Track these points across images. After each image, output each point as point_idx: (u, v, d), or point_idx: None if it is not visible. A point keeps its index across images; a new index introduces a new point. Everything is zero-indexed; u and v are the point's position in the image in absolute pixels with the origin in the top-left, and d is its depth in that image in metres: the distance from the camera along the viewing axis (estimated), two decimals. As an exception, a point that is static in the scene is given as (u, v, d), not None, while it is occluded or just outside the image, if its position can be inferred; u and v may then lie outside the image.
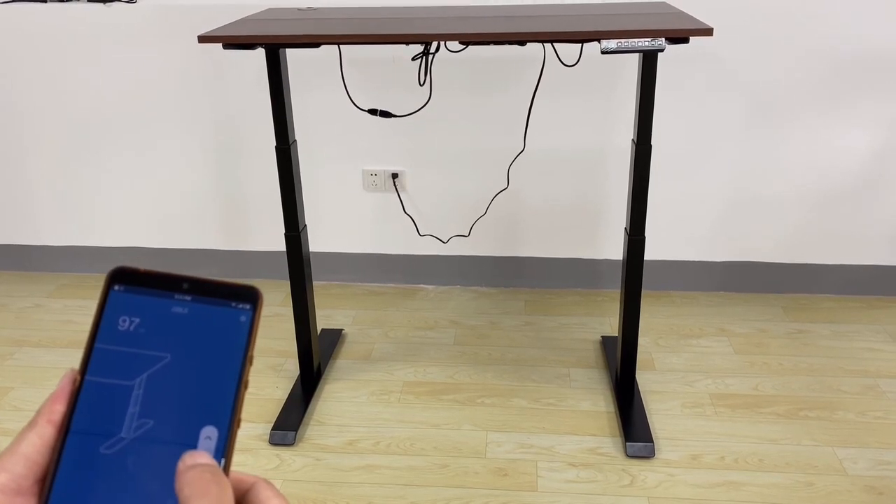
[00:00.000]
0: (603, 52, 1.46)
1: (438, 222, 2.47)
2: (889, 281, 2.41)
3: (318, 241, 2.55)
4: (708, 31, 1.46)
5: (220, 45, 1.60)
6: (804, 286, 2.45)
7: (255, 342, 0.38)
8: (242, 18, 1.80)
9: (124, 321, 0.37)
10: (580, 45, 1.62)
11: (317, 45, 1.56)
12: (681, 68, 2.21)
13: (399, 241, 2.52)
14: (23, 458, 0.35)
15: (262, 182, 2.47)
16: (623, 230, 1.99)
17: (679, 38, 1.48)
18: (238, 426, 0.37)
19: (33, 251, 2.67)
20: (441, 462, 1.75)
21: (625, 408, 1.89)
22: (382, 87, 2.29)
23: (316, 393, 2.00)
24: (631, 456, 1.75)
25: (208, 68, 2.33)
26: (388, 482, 1.70)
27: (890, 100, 2.19)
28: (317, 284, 2.57)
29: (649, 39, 1.45)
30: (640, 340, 2.21)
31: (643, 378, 2.04)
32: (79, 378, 0.37)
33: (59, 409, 0.36)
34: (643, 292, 2.49)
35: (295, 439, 1.82)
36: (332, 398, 1.98)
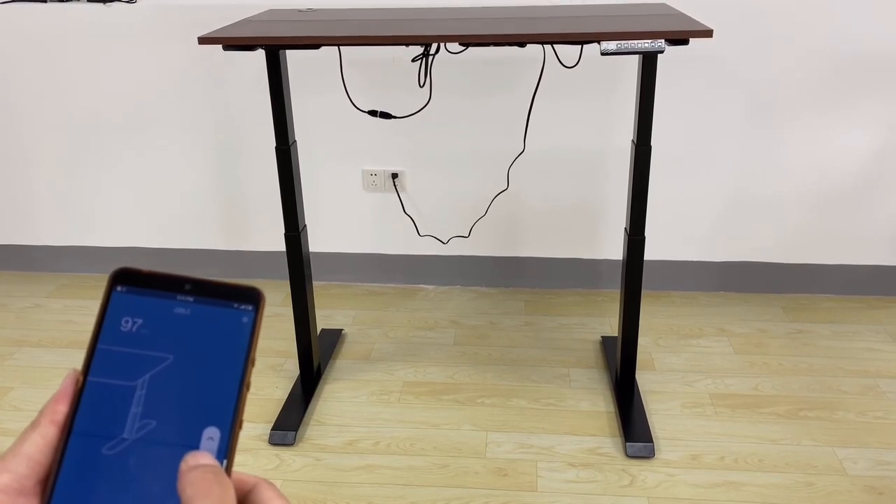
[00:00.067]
0: (603, 54, 1.46)
1: (438, 223, 2.47)
2: (889, 281, 2.41)
3: (318, 241, 2.55)
4: (707, 33, 1.46)
5: (220, 46, 1.60)
6: (804, 286, 2.45)
7: (257, 343, 0.38)
8: (243, 20, 1.80)
9: (127, 322, 0.38)
10: (580, 46, 1.62)
11: (317, 47, 1.57)
12: (681, 68, 2.21)
13: (399, 242, 2.52)
14: (25, 459, 0.35)
15: (262, 182, 2.48)
16: (623, 230, 2.00)
17: (679, 39, 1.48)
18: (240, 427, 0.37)
19: (33, 251, 2.67)
20: (441, 462, 1.75)
21: (625, 408, 1.89)
22: (382, 88, 2.29)
23: (316, 393, 2.00)
24: (631, 456, 1.75)
25: (208, 68, 2.33)
26: (388, 482, 1.70)
27: (890, 100, 2.19)
28: (317, 284, 2.58)
29: (649, 41, 1.45)
30: (640, 340, 2.21)
31: (643, 378, 2.04)
32: (81, 378, 0.37)
33: (62, 409, 0.36)
34: (643, 292, 2.50)
35: (295, 439, 1.82)
36: (332, 398, 1.98)
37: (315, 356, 2.04)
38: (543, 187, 2.40)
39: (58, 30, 2.33)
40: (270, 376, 2.08)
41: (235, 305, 0.38)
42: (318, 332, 2.22)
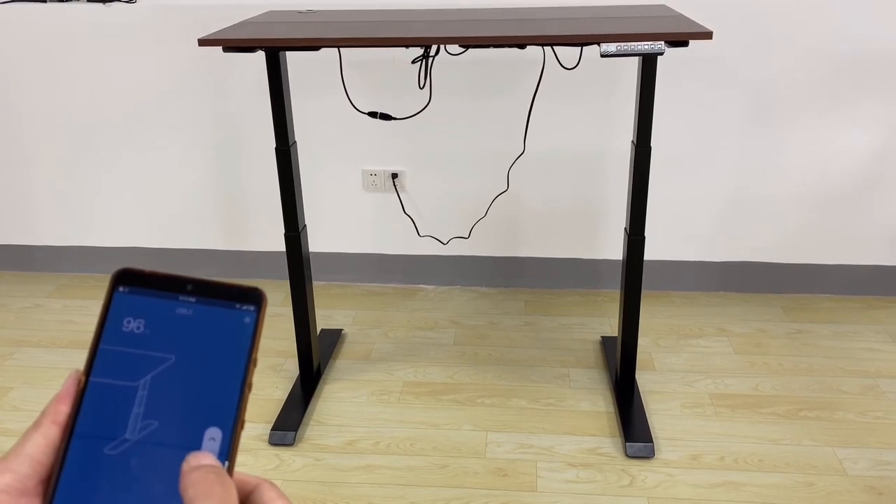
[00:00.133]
0: (602, 56, 1.46)
1: (438, 223, 2.47)
2: (889, 281, 2.42)
3: (318, 241, 2.55)
4: (707, 35, 1.46)
5: (219, 47, 1.60)
6: (804, 286, 2.45)
7: (259, 344, 0.38)
8: (242, 21, 1.80)
9: (129, 322, 0.38)
10: (580, 48, 1.62)
11: (316, 48, 1.57)
12: (680, 69, 2.21)
13: (399, 242, 2.52)
14: (28, 459, 0.35)
15: (262, 182, 2.48)
16: (623, 230, 2.00)
17: (678, 41, 1.48)
18: (242, 428, 0.37)
19: (34, 251, 2.67)
20: (441, 462, 1.75)
21: (624, 408, 1.89)
22: (382, 90, 2.29)
23: (316, 393, 2.00)
24: (631, 456, 1.75)
25: (209, 68, 2.33)
26: (388, 482, 1.70)
27: (890, 100, 2.19)
28: (316, 284, 2.58)
29: (649, 43, 1.45)
30: (640, 340, 2.21)
31: (643, 378, 2.04)
32: (83, 379, 0.37)
33: (64, 409, 0.36)
34: (643, 292, 2.50)
35: (294, 439, 1.82)
36: (332, 398, 1.98)
37: (315, 356, 2.04)
38: (543, 188, 2.40)
39: (58, 30, 2.33)
40: (270, 376, 2.08)
41: (237, 306, 0.38)
42: (318, 333, 2.22)
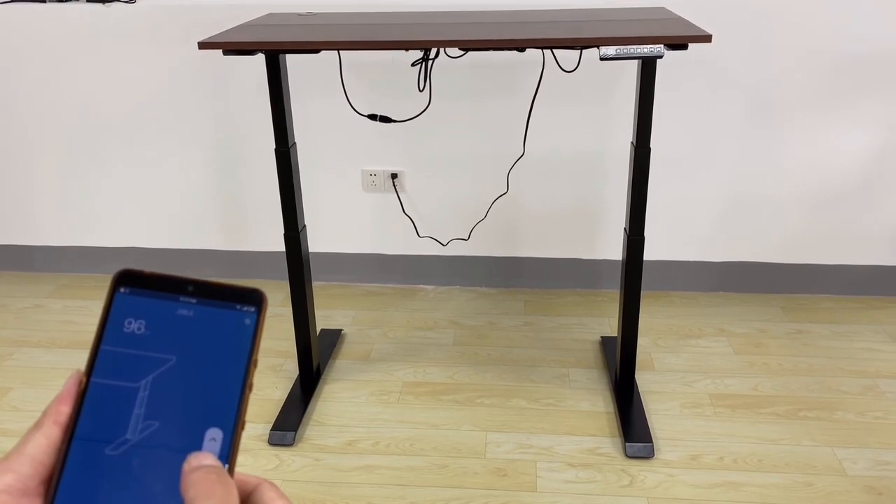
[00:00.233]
0: (602, 59, 1.46)
1: (437, 225, 2.48)
2: (889, 281, 2.42)
3: (318, 241, 2.55)
4: (706, 38, 1.46)
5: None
6: (804, 286, 2.45)
7: (259, 345, 0.38)
8: (242, 24, 1.80)
9: (130, 323, 0.38)
10: (579, 51, 1.62)
11: (316, 51, 1.57)
12: (680, 69, 2.21)
13: (398, 242, 2.53)
14: (29, 459, 0.35)
15: (263, 182, 2.48)
16: (622, 230, 2.00)
17: (678, 44, 1.48)
18: (242, 428, 0.37)
19: (34, 251, 2.67)
20: (440, 462, 1.75)
21: (624, 408, 1.89)
22: (382, 91, 2.29)
23: (315, 393, 2.00)
24: (630, 456, 1.75)
25: (209, 68, 2.33)
26: (388, 482, 1.70)
27: (890, 100, 2.19)
28: (316, 285, 2.58)
29: (648, 46, 1.45)
30: (640, 341, 2.21)
31: (642, 378, 2.04)
32: (84, 380, 0.37)
33: (65, 410, 0.36)
34: (643, 292, 2.50)
35: (294, 440, 1.82)
36: (332, 398, 1.99)
37: (314, 356, 2.04)
38: (543, 191, 2.40)
39: (57, 30, 2.33)
40: (270, 376, 2.08)
41: (238, 307, 0.38)
42: (318, 333, 2.22)
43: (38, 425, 0.36)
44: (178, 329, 0.38)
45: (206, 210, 2.54)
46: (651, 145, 1.74)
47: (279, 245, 2.55)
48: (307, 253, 1.95)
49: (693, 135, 2.29)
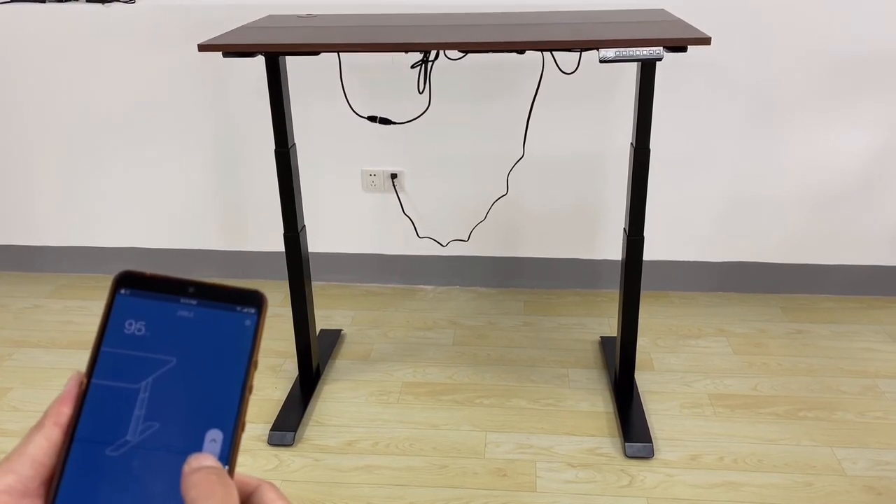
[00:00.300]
0: (601, 62, 1.46)
1: (437, 226, 2.48)
2: (889, 281, 2.42)
3: (317, 241, 2.55)
4: (705, 41, 1.46)
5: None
6: (803, 286, 2.45)
7: (259, 346, 0.38)
8: (242, 26, 1.80)
9: (130, 325, 0.38)
10: (579, 53, 1.62)
11: (316, 53, 1.57)
12: (680, 69, 2.22)
13: (398, 242, 2.53)
14: (30, 460, 0.35)
15: (262, 182, 2.48)
16: (622, 230, 2.00)
17: (677, 46, 1.48)
18: (242, 429, 0.37)
19: (34, 251, 2.67)
20: (440, 462, 1.76)
21: (624, 408, 1.89)
22: (382, 93, 2.30)
23: (315, 393, 2.01)
24: (630, 456, 1.75)
25: (209, 68, 2.34)
26: (387, 483, 1.70)
27: (890, 100, 2.19)
28: (316, 285, 2.58)
29: (647, 48, 1.45)
30: (639, 341, 2.21)
31: (642, 378, 2.04)
32: (85, 381, 0.37)
33: (66, 411, 0.36)
34: (642, 293, 2.50)
35: (294, 440, 1.82)
36: (331, 399, 1.99)
37: (314, 357, 2.04)
38: (543, 192, 2.40)
39: (57, 30, 2.33)
40: (269, 377, 2.08)
41: (238, 308, 0.38)
42: (318, 333, 2.22)
43: (38, 426, 0.36)
44: (179, 330, 0.38)
45: (206, 210, 2.54)
46: (651, 145, 1.74)
47: (279, 245, 2.55)
48: (307, 253, 1.95)
49: (693, 135, 2.29)
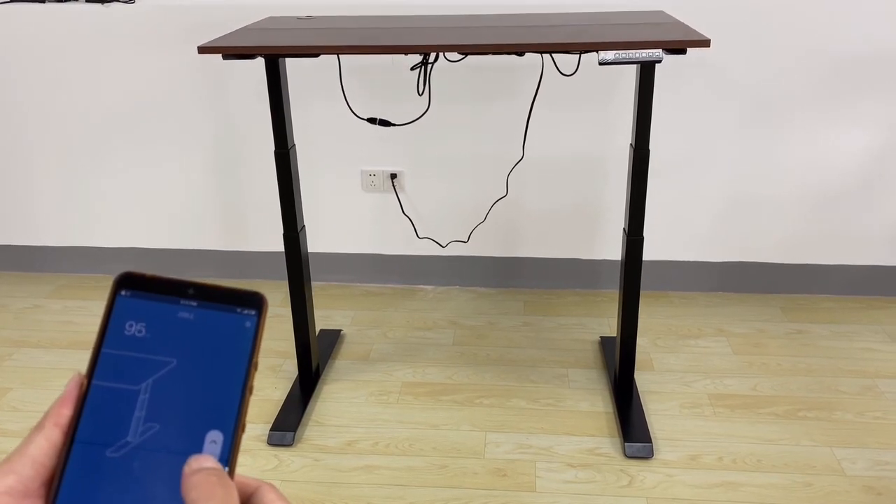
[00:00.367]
0: (601, 64, 1.46)
1: (437, 226, 2.48)
2: (888, 281, 2.42)
3: (317, 241, 2.55)
4: (705, 43, 1.46)
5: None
6: (803, 286, 2.45)
7: (259, 348, 0.38)
8: (242, 28, 1.81)
9: (130, 326, 0.38)
10: (578, 54, 1.62)
11: (316, 55, 1.57)
12: (680, 70, 2.22)
13: (398, 242, 2.53)
14: (30, 461, 0.35)
15: (262, 182, 2.48)
16: (622, 231, 2.00)
17: (676, 48, 1.48)
18: (243, 431, 0.37)
19: (34, 251, 2.67)
20: (440, 462, 1.76)
21: (623, 408, 1.89)
22: (382, 95, 2.30)
23: (314, 393, 2.01)
24: (629, 456, 1.75)
25: (209, 69, 2.34)
26: (387, 483, 1.70)
27: (890, 100, 2.19)
28: (315, 285, 2.58)
29: (646, 50, 1.45)
30: (639, 341, 2.21)
31: (642, 378, 2.04)
32: (85, 382, 0.37)
33: (66, 412, 0.36)
34: (642, 293, 2.50)
35: (293, 440, 1.82)
36: (331, 399, 1.99)
37: (314, 357, 2.04)
38: (543, 193, 2.40)
39: (57, 30, 2.33)
40: (269, 377, 2.08)
41: (238, 310, 0.39)
42: (317, 333, 2.22)
43: (39, 427, 0.36)
44: (179, 332, 0.38)
45: (206, 210, 2.54)
46: (650, 146, 1.74)
47: (279, 245, 2.55)
48: (306, 253, 1.95)
49: (693, 135, 2.29)
